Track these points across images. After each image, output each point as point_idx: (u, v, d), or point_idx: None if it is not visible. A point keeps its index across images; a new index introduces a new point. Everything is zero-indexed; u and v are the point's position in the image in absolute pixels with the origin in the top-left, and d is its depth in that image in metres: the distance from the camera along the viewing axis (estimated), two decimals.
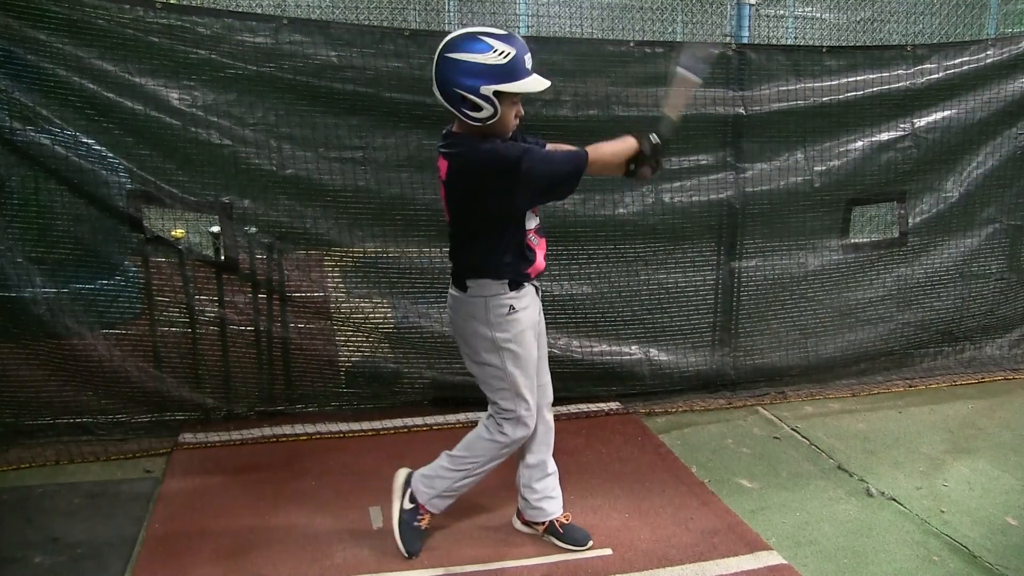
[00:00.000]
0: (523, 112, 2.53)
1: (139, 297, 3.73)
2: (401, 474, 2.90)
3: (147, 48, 3.40)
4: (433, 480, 2.83)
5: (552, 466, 2.92)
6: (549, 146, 2.71)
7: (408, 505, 2.85)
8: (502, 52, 2.35)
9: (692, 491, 3.32)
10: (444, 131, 2.61)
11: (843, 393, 4.39)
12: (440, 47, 2.42)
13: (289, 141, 3.62)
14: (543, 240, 2.70)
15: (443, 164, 2.58)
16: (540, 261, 2.68)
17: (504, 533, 3.00)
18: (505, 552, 2.87)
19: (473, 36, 2.38)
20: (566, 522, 2.92)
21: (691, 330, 4.26)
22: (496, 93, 2.38)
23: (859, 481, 3.45)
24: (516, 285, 2.62)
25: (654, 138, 2.57)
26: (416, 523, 2.85)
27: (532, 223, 2.65)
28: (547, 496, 2.90)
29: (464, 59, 2.37)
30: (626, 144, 2.57)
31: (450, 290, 2.72)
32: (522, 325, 2.66)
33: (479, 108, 2.41)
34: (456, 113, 2.46)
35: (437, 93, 2.45)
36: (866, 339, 4.51)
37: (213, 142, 3.53)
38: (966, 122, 4.40)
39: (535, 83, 2.44)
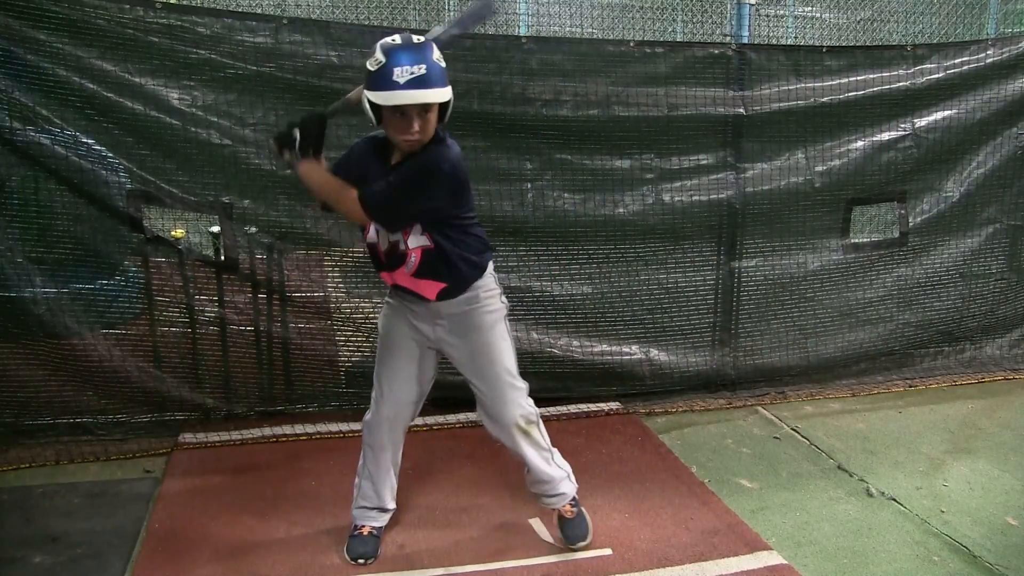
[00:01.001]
0: (422, 128, 2.42)
1: (139, 297, 3.73)
2: None
3: (147, 48, 3.40)
4: (354, 490, 2.91)
5: (539, 474, 2.85)
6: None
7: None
8: (376, 60, 2.37)
9: (692, 491, 3.32)
10: None
11: (843, 393, 4.39)
12: None
13: None
14: (394, 270, 2.65)
15: None
16: (386, 277, 2.71)
17: (504, 533, 3.00)
18: (505, 552, 2.87)
19: (376, 43, 2.41)
20: (567, 515, 2.92)
21: (691, 330, 4.26)
22: (370, 101, 2.39)
23: (859, 481, 3.45)
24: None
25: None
26: (355, 533, 2.86)
27: (380, 242, 2.62)
28: (540, 494, 2.92)
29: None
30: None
31: None
32: (385, 308, 2.82)
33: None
34: None
35: None
36: (866, 339, 4.51)
37: (213, 142, 3.53)
38: (966, 122, 4.40)
39: (387, 97, 2.35)
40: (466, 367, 2.77)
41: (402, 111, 2.38)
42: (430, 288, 2.64)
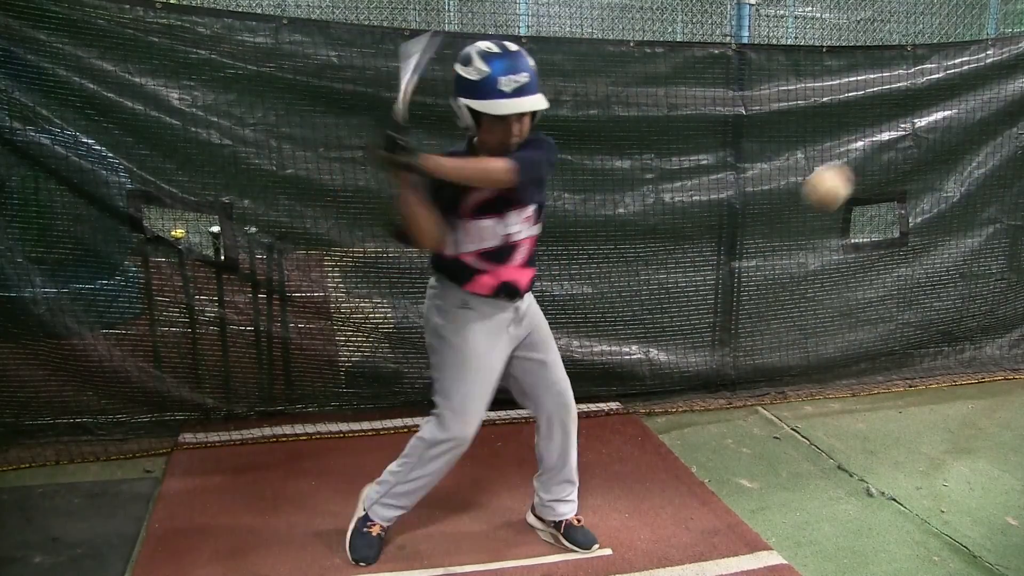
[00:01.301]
0: (520, 133, 2.48)
1: (139, 297, 3.73)
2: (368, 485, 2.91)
3: (147, 48, 3.40)
4: (378, 486, 2.84)
5: (573, 475, 2.90)
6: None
7: (360, 512, 2.86)
8: (478, 69, 2.40)
9: (692, 491, 3.32)
10: None
11: (843, 393, 4.39)
12: None
13: (289, 141, 3.62)
14: (494, 265, 2.63)
15: None
16: (488, 280, 2.62)
17: (504, 533, 3.00)
18: (505, 552, 2.87)
19: (468, 50, 2.44)
20: (575, 523, 2.92)
21: (691, 330, 4.26)
22: (468, 108, 2.44)
23: (859, 481, 3.45)
24: (464, 282, 2.62)
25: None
26: (365, 530, 2.83)
27: (474, 243, 2.60)
28: (560, 500, 2.90)
29: (456, 69, 2.45)
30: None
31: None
32: (471, 325, 2.63)
33: (460, 118, 2.49)
34: None
35: None
36: (866, 339, 4.51)
37: (213, 142, 3.53)
38: (966, 122, 4.40)
39: (497, 106, 2.41)
40: (547, 347, 2.80)
41: (505, 118, 2.43)
42: (528, 276, 2.71)
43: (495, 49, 2.43)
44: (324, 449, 3.62)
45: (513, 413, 3.85)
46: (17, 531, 2.94)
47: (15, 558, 2.79)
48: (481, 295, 2.62)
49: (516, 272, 2.66)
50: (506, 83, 2.40)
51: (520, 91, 2.41)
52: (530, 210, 2.62)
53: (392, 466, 2.81)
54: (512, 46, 2.47)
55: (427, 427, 2.72)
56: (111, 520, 3.03)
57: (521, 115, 2.45)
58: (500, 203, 2.55)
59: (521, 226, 2.61)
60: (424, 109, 3.64)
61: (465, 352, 2.65)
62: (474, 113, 2.44)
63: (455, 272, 2.63)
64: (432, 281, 2.73)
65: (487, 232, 2.59)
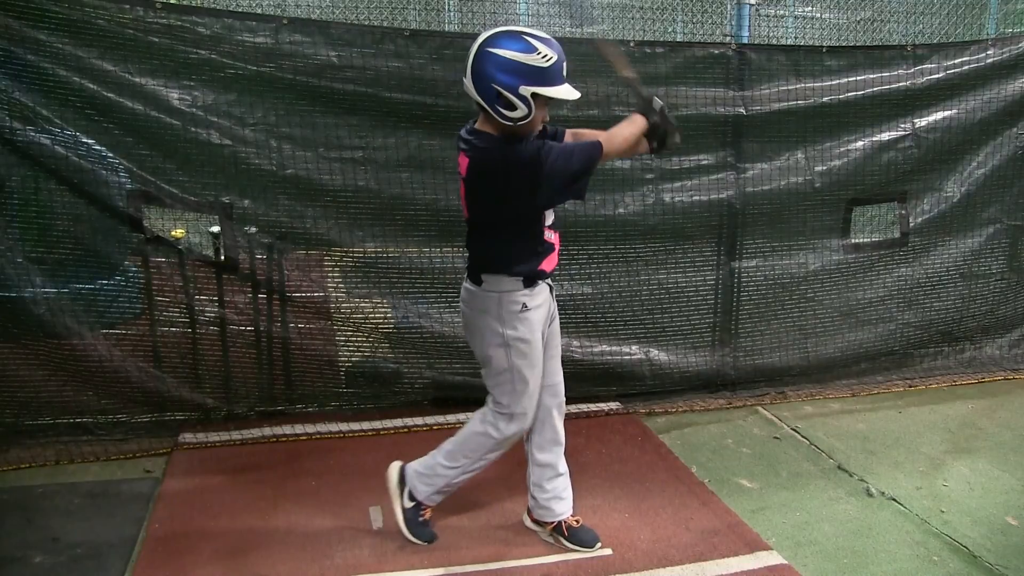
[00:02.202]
0: (548, 117, 2.55)
1: (139, 297, 3.73)
2: (394, 471, 2.91)
3: (147, 48, 3.40)
4: (431, 478, 2.85)
5: (563, 467, 2.92)
6: (568, 133, 2.73)
7: (408, 504, 2.88)
8: (545, 55, 2.38)
9: (692, 491, 3.32)
10: (467, 127, 2.60)
11: (843, 393, 4.39)
12: (481, 40, 2.42)
13: (289, 141, 3.62)
14: (557, 235, 2.72)
15: (464, 160, 2.57)
16: (554, 257, 2.69)
17: (504, 533, 3.00)
18: (505, 552, 2.87)
19: (518, 34, 2.40)
20: (575, 524, 2.92)
21: (691, 330, 4.26)
22: (534, 95, 2.39)
23: (859, 481, 3.45)
24: (530, 282, 2.64)
25: (656, 102, 2.60)
26: (420, 519, 2.88)
27: (549, 219, 2.66)
28: (556, 496, 2.90)
29: (508, 56, 2.37)
30: (635, 123, 2.60)
31: (464, 283, 2.74)
32: (533, 323, 2.67)
33: (514, 107, 2.41)
34: (488, 109, 2.45)
35: (470, 86, 2.44)
36: (866, 339, 4.51)
37: (213, 142, 3.53)
38: (966, 122, 4.40)
39: (569, 91, 2.46)
40: (557, 342, 2.86)
41: (550, 102, 2.46)
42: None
43: (540, 33, 2.43)
44: (324, 449, 3.62)
45: None
46: (17, 531, 2.94)
47: (15, 558, 2.79)
48: (544, 277, 2.67)
49: (557, 256, 2.75)
50: (564, 67, 2.44)
51: (567, 76, 2.46)
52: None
53: (446, 459, 2.83)
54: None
55: (493, 425, 2.76)
56: (111, 520, 3.03)
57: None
58: None
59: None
60: (424, 109, 3.65)
61: (531, 355, 2.69)
62: (537, 99, 2.41)
63: (531, 258, 2.62)
64: (473, 288, 2.69)
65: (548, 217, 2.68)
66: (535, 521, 2.98)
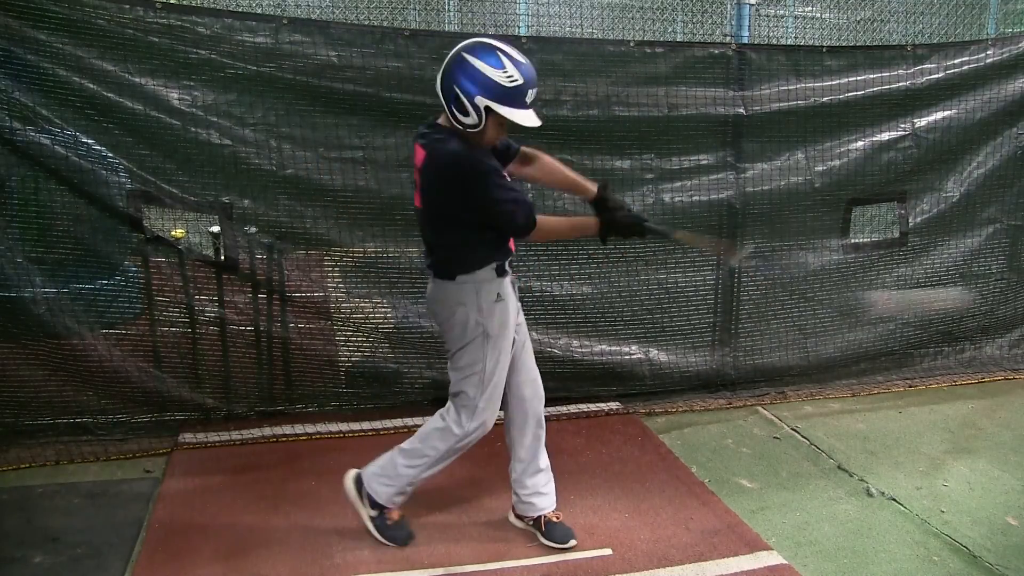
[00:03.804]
0: (505, 137, 2.61)
1: (139, 297, 3.73)
2: (350, 481, 2.90)
3: (147, 48, 3.40)
4: (391, 479, 2.84)
5: (544, 462, 2.93)
6: (524, 151, 2.80)
7: (373, 512, 2.87)
8: (511, 76, 2.43)
9: (692, 491, 3.32)
10: (429, 120, 2.66)
11: (843, 393, 4.39)
12: (462, 44, 2.49)
13: (289, 141, 3.62)
14: None
15: (420, 152, 2.61)
16: (511, 244, 2.75)
17: (504, 533, 3.00)
18: (505, 552, 2.87)
19: (495, 50, 2.45)
20: (555, 520, 2.93)
21: (691, 330, 4.26)
22: (487, 108, 2.45)
23: (859, 481, 3.45)
24: (501, 271, 2.69)
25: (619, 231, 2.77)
26: (388, 523, 2.87)
27: None
28: (537, 492, 2.91)
29: (476, 65, 2.44)
30: (583, 228, 2.79)
31: (432, 279, 2.75)
32: (507, 313, 2.72)
33: (466, 113, 2.47)
34: (444, 107, 2.52)
35: (438, 81, 2.51)
36: (866, 339, 4.51)
37: (213, 142, 3.54)
38: (966, 122, 4.40)
39: (526, 117, 2.49)
40: (525, 330, 2.91)
41: (507, 123, 2.50)
42: None
43: (518, 56, 2.46)
44: (324, 449, 3.62)
45: None
46: (17, 531, 2.94)
47: (15, 558, 2.79)
48: (512, 253, 2.73)
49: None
50: (531, 96, 2.47)
51: (533, 103, 2.50)
52: None
53: (405, 459, 2.82)
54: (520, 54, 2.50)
55: (456, 421, 2.77)
56: (111, 520, 3.03)
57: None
58: None
59: None
60: (424, 109, 3.64)
61: (501, 344, 2.72)
62: (489, 115, 2.46)
63: (498, 247, 2.67)
64: (444, 282, 2.70)
65: None
66: (518, 517, 2.99)
